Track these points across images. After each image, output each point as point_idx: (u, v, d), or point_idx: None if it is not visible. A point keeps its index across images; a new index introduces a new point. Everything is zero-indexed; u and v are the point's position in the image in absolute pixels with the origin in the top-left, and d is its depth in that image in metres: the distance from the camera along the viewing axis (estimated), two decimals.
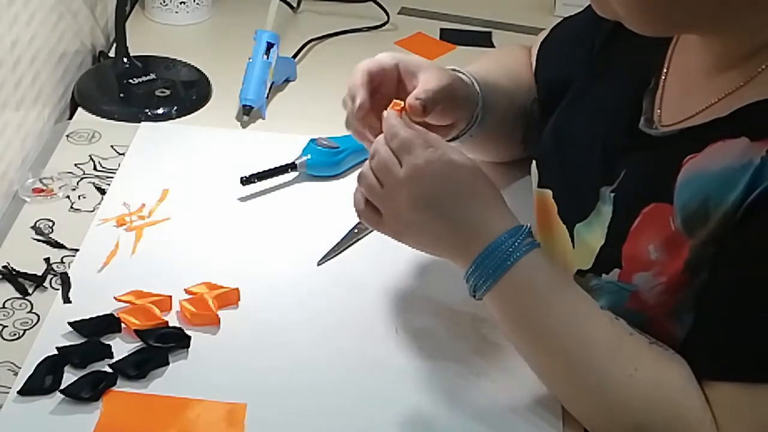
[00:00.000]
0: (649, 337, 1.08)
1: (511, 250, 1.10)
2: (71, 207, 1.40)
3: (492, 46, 1.84)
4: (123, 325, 1.20)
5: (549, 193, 1.26)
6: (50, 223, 1.37)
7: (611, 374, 1.07)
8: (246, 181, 1.43)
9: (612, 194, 1.15)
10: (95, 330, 1.19)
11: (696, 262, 1.06)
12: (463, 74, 1.32)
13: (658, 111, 1.17)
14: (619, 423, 1.07)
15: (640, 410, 1.05)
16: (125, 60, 1.68)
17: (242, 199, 1.43)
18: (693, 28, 1.11)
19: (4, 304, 1.24)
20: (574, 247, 1.19)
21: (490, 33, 1.88)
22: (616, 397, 1.06)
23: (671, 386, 1.05)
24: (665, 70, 1.19)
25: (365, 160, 1.19)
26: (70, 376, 1.14)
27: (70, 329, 1.19)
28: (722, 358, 1.04)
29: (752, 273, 1.02)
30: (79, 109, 1.62)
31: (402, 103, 1.20)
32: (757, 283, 1.02)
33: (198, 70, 1.71)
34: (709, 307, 1.06)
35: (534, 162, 1.31)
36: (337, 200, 1.41)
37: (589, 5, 1.33)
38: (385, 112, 1.19)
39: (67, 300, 1.25)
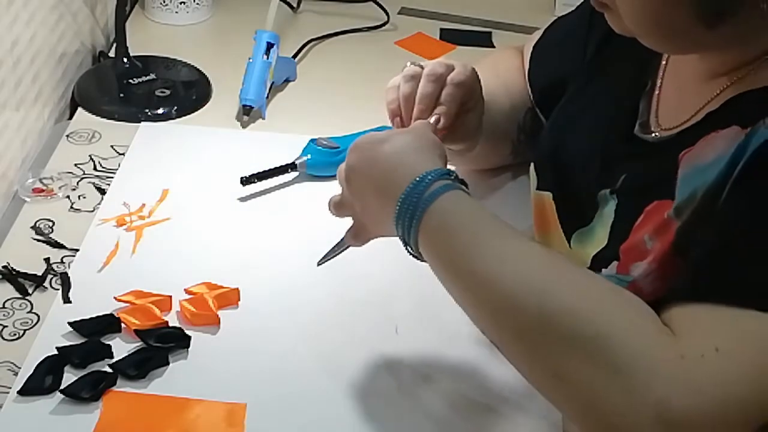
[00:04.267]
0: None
1: (423, 194, 1.05)
2: (71, 207, 1.40)
3: (492, 46, 1.84)
4: (123, 325, 1.20)
5: (548, 195, 1.26)
6: (50, 223, 1.37)
7: (553, 287, 0.99)
8: (246, 181, 1.43)
9: (613, 196, 1.15)
10: (95, 330, 1.19)
11: (682, 243, 1.05)
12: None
13: (655, 115, 1.17)
14: (560, 334, 0.97)
15: (582, 321, 0.96)
16: (125, 60, 1.68)
17: (242, 199, 1.43)
18: (699, 50, 1.11)
19: (4, 304, 1.24)
20: (570, 248, 1.19)
21: (490, 33, 1.88)
22: (557, 308, 0.97)
23: (622, 303, 0.98)
24: (661, 73, 1.19)
25: None
26: (70, 376, 1.14)
27: (70, 329, 1.20)
28: (697, 282, 0.98)
29: (732, 225, 0.99)
30: (79, 109, 1.62)
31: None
32: (738, 231, 0.98)
33: (198, 70, 1.71)
34: (694, 243, 1.02)
35: (532, 164, 1.32)
36: None
37: (581, 4, 1.33)
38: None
39: (67, 300, 1.25)
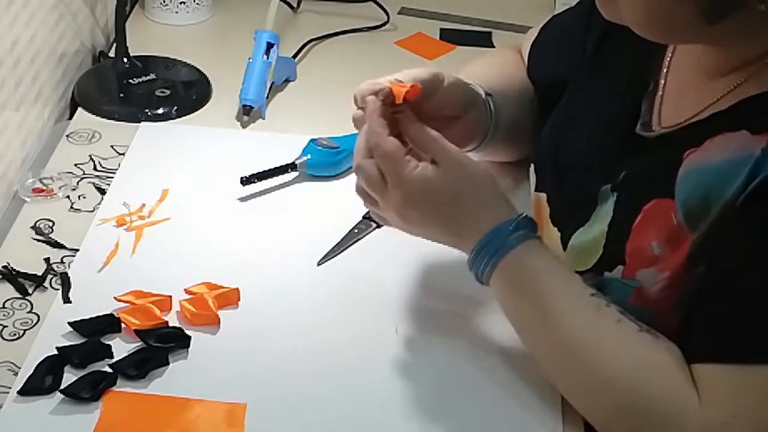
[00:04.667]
0: (641, 325, 1.09)
1: (506, 239, 1.12)
2: (71, 207, 1.40)
3: (492, 46, 1.84)
4: (123, 325, 1.20)
5: (543, 196, 1.26)
6: (50, 223, 1.37)
7: (593, 360, 1.08)
8: (246, 181, 1.43)
9: (613, 193, 1.15)
10: (95, 330, 1.19)
11: (697, 255, 1.07)
12: (475, 86, 1.31)
13: (657, 115, 1.17)
14: (603, 405, 1.09)
15: (622, 392, 1.07)
16: (125, 60, 1.68)
17: (242, 199, 1.43)
18: (698, 42, 1.11)
19: (4, 304, 1.24)
20: (565, 250, 1.19)
21: (490, 33, 1.88)
22: (598, 380, 1.08)
23: (653, 367, 1.06)
24: (664, 72, 1.18)
25: None
26: (70, 376, 1.14)
27: (70, 329, 1.19)
28: (711, 339, 1.05)
29: (744, 261, 1.03)
30: (79, 109, 1.62)
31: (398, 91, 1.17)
32: (748, 271, 1.03)
33: (198, 70, 1.71)
34: (701, 294, 1.06)
35: (532, 165, 1.32)
36: (337, 200, 1.41)
37: (579, 2, 1.33)
38: (370, 98, 1.17)
39: (67, 300, 1.25)
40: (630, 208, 1.13)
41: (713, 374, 1.04)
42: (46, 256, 1.31)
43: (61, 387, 1.13)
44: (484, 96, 1.31)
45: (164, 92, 1.64)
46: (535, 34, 1.43)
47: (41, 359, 1.15)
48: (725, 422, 1.02)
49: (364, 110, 1.17)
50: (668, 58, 1.19)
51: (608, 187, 1.16)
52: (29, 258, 1.30)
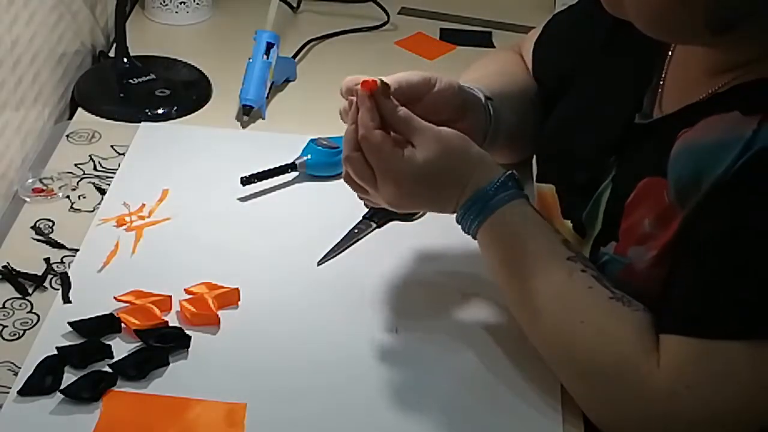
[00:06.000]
0: (615, 292, 1.11)
1: (489, 200, 1.15)
2: (71, 207, 1.40)
3: (492, 46, 1.84)
4: (123, 325, 1.20)
5: (551, 188, 1.26)
6: (50, 223, 1.37)
7: (558, 323, 1.11)
8: (246, 181, 1.43)
9: (611, 172, 1.17)
10: (95, 330, 1.19)
11: (684, 231, 1.08)
12: (475, 90, 1.31)
13: (658, 105, 1.17)
14: (564, 366, 1.12)
15: (584, 358, 1.10)
16: (125, 60, 1.68)
17: (242, 199, 1.43)
18: (701, 45, 1.11)
19: (4, 304, 1.24)
20: (584, 237, 1.20)
21: (490, 33, 1.88)
22: (565, 342, 1.11)
23: (613, 335, 1.08)
24: (666, 67, 1.19)
25: None
26: (70, 376, 1.14)
27: (70, 329, 1.20)
28: (677, 311, 1.07)
29: (724, 237, 1.05)
30: (79, 109, 1.62)
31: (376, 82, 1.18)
32: (726, 247, 1.05)
33: (198, 70, 1.71)
34: (679, 265, 1.08)
35: (534, 157, 1.32)
36: (337, 200, 1.41)
37: (581, 0, 1.33)
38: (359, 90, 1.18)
39: (67, 300, 1.25)
40: (624, 187, 1.14)
41: (675, 345, 1.06)
42: (46, 256, 1.31)
43: (61, 387, 1.13)
44: (484, 100, 1.31)
45: (164, 92, 1.64)
46: (537, 34, 1.43)
47: (41, 359, 1.15)
48: (677, 392, 1.05)
49: (349, 103, 1.20)
50: (670, 54, 1.19)
51: (607, 167, 1.17)
52: (29, 258, 1.30)
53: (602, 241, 1.17)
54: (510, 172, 1.17)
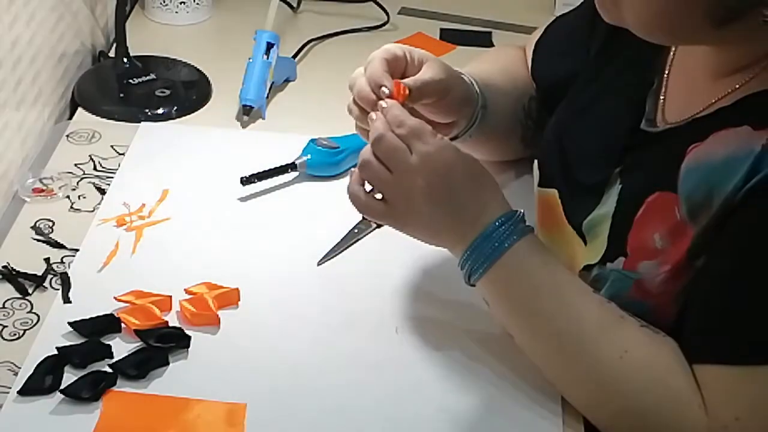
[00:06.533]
0: (640, 321, 1.10)
1: (504, 236, 1.12)
2: (71, 207, 1.40)
3: (492, 46, 1.84)
4: (123, 325, 1.20)
5: (553, 192, 1.26)
6: (50, 223, 1.37)
7: (601, 356, 1.08)
8: (246, 181, 1.43)
9: (617, 184, 1.16)
10: (95, 330, 1.19)
11: (697, 249, 1.07)
12: (464, 75, 1.32)
13: (661, 111, 1.17)
14: (610, 405, 1.09)
15: (631, 392, 1.07)
16: (125, 60, 1.68)
17: (242, 199, 1.43)
18: (702, 44, 1.11)
19: (4, 304, 1.24)
20: (586, 245, 1.19)
21: (490, 33, 1.88)
22: (607, 379, 1.08)
23: (661, 368, 1.06)
24: (668, 69, 1.19)
25: None
26: (70, 376, 1.14)
27: (70, 329, 1.20)
28: (711, 340, 1.05)
29: (744, 258, 1.04)
30: (79, 109, 1.62)
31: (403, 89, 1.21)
32: (749, 269, 1.03)
33: (198, 70, 1.71)
34: (701, 290, 1.07)
35: (536, 161, 1.32)
36: (337, 200, 1.41)
37: (583, 2, 1.33)
38: (382, 102, 1.19)
39: (67, 300, 1.25)
40: (633, 200, 1.13)
41: (715, 376, 1.04)
42: (46, 256, 1.31)
43: (61, 387, 1.13)
44: (469, 79, 1.31)
45: (164, 92, 1.64)
46: (539, 35, 1.44)
47: (41, 359, 1.15)
48: (728, 425, 1.03)
49: (356, 101, 1.21)
50: (670, 57, 1.19)
51: (613, 178, 1.17)
52: (29, 258, 1.30)
53: (610, 256, 1.14)
54: (519, 211, 1.15)
